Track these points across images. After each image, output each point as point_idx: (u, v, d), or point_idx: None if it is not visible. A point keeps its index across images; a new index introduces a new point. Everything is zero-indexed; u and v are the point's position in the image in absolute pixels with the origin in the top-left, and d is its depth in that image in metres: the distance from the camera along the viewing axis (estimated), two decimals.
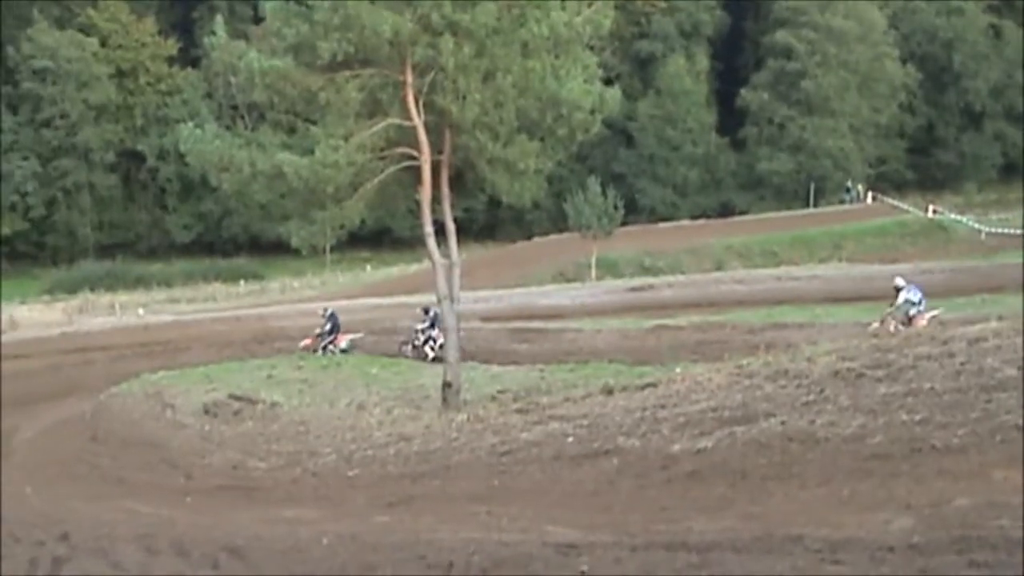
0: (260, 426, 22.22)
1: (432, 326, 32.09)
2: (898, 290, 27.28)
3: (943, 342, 15.25)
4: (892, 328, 25.48)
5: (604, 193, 59.16)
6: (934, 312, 26.76)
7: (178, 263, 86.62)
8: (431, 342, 31.92)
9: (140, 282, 76.18)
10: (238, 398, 24.04)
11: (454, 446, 17.85)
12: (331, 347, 32.34)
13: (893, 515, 10.10)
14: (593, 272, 60.81)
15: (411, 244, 77.45)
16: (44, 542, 15.29)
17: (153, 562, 13.15)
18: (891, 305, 27.09)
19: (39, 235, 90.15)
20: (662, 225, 78.84)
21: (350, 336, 33.27)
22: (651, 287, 47.72)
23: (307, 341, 33.13)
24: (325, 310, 34.18)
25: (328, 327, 32.80)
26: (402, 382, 25.18)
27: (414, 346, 32.15)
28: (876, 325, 26.55)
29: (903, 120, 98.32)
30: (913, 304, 26.75)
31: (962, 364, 13.77)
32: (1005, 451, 10.93)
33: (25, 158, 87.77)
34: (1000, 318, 17.27)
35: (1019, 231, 64.17)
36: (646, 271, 62.08)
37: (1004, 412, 11.77)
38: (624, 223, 62.68)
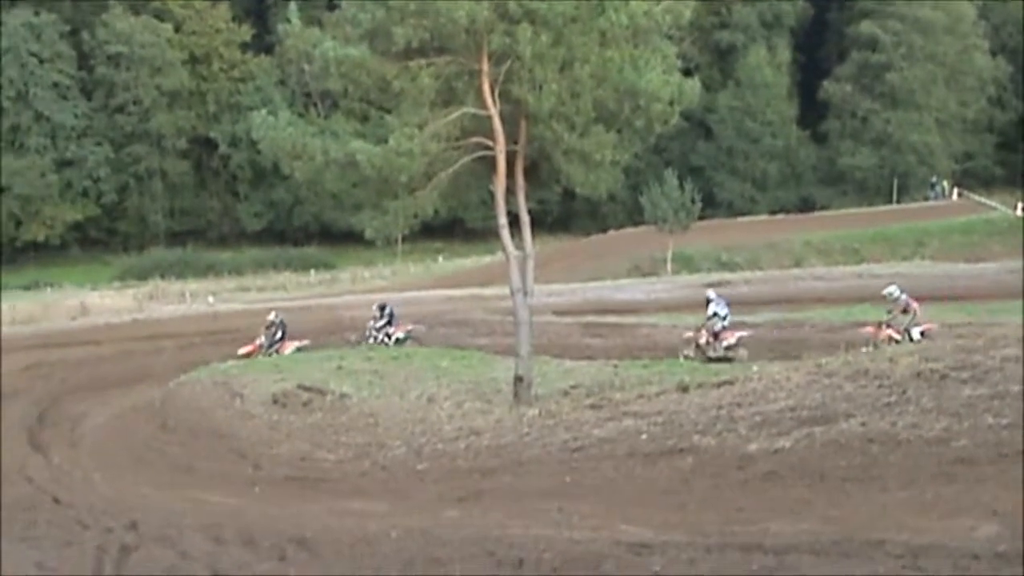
0: (329, 417, 22.31)
1: (389, 323, 32.61)
2: (708, 302, 29.22)
3: None
4: (703, 340, 28.28)
5: (681, 186, 59.04)
6: (743, 332, 28.84)
7: (248, 251, 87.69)
8: (387, 339, 32.20)
9: (210, 270, 77.31)
10: (307, 388, 24.11)
11: (525, 441, 17.83)
12: (275, 355, 31.54)
13: (978, 521, 9.96)
14: (669, 266, 60.70)
15: (484, 235, 77.64)
16: (112, 529, 15.51)
17: (220, 552, 13.28)
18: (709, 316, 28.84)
19: (111, 221, 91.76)
20: (740, 220, 78.66)
21: (296, 343, 32.43)
22: (728, 283, 47.33)
23: (248, 348, 32.07)
24: (275, 315, 33.18)
25: (279, 335, 32.30)
26: (473, 375, 25.16)
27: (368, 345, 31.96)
28: (691, 334, 28.95)
29: (992, 115, 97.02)
30: (720, 318, 28.54)
31: None
32: None
33: (98, 144, 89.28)
34: None
35: None
36: (723, 266, 61.79)
37: None
38: (701, 217, 62.53)
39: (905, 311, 27.20)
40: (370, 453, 19.52)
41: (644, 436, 15.93)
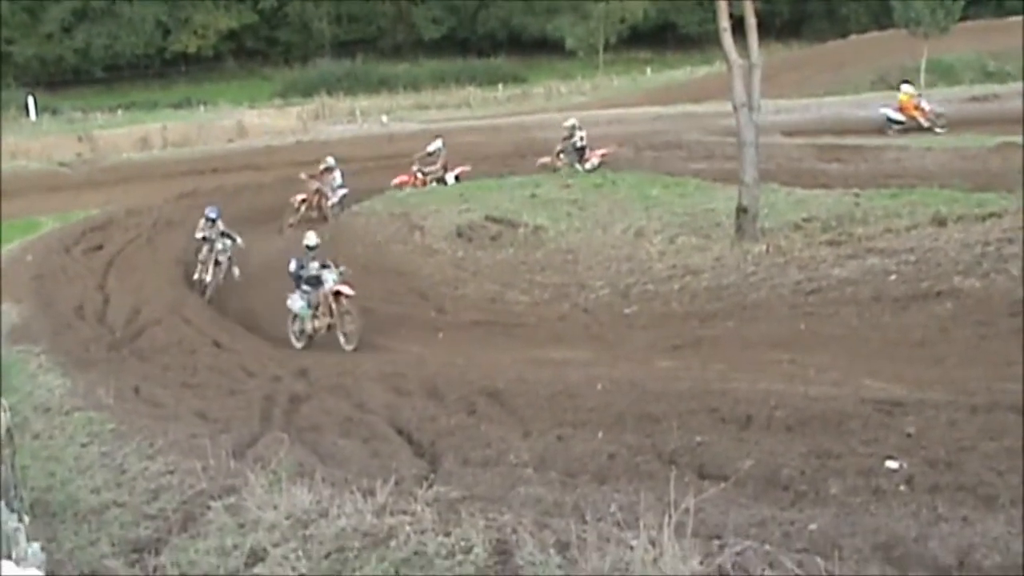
0: (522, 253, 22.53)
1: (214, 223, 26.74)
2: (328, 170, 33.18)
3: None
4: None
5: None
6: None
7: (427, 63, 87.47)
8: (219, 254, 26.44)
9: (383, 84, 77.51)
10: (496, 220, 24.33)
11: (751, 282, 17.81)
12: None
13: None
14: (923, 78, 59.02)
15: (699, 43, 76.52)
16: (280, 377, 16.06)
17: (402, 404, 13.60)
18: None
19: (270, 29, 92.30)
20: (1013, 19, 75.49)
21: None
22: (996, 96, 46.01)
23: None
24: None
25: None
26: (688, 206, 24.96)
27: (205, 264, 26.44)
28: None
29: None
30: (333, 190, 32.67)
31: None
32: None
33: None
34: None
35: None
36: (990, 77, 59.93)
37: None
38: (964, 16, 60.28)
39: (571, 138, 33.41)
40: (569, 295, 19.73)
41: (893, 277, 15.76)
